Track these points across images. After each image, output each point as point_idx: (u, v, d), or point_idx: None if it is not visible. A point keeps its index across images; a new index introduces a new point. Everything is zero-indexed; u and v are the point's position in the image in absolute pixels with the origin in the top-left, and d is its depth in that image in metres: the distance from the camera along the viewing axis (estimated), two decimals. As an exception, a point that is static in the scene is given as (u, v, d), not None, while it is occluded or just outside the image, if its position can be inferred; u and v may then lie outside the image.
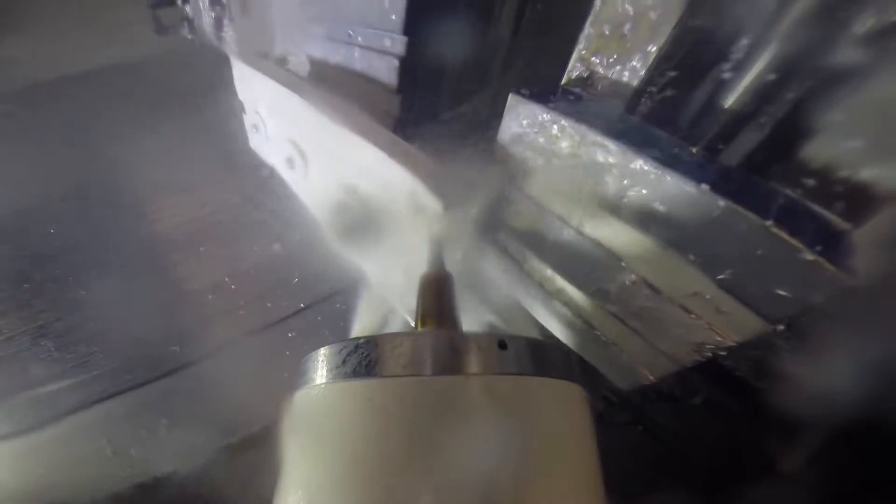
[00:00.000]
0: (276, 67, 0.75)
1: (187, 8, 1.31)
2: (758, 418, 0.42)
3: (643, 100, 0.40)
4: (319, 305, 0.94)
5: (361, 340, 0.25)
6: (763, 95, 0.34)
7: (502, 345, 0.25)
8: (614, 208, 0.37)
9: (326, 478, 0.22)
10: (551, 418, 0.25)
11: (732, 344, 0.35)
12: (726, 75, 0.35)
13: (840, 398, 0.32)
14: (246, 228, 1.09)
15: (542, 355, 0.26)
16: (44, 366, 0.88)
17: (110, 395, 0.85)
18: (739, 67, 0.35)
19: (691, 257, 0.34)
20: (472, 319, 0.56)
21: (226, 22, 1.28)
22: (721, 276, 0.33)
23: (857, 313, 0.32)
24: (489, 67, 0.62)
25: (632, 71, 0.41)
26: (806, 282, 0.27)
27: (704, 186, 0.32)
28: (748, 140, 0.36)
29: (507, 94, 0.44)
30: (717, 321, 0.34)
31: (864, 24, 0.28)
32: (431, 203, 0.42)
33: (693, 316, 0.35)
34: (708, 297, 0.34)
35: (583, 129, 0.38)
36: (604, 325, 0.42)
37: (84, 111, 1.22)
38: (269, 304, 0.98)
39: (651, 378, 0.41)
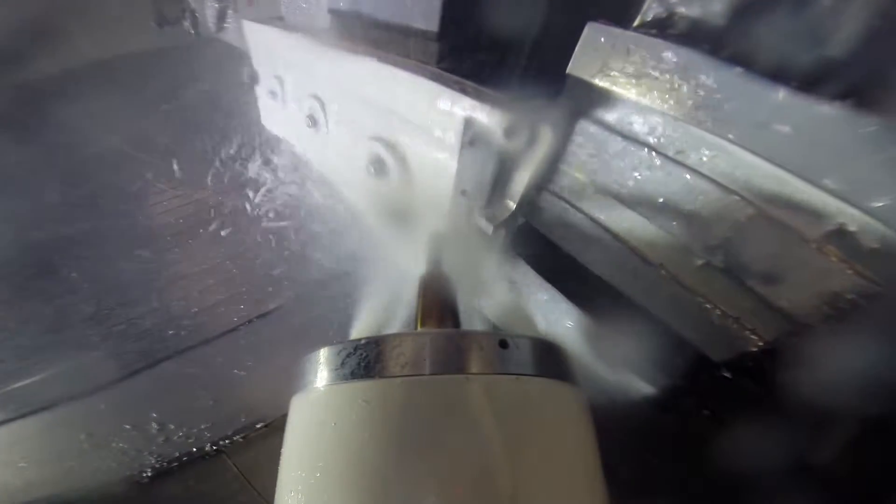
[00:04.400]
0: (296, 25, 0.69)
1: (191, -1, 1.26)
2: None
3: (731, 37, 0.35)
4: (319, 290, 0.93)
5: (361, 342, 0.25)
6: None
7: (503, 344, 0.25)
8: (725, 131, 0.31)
9: (326, 479, 0.22)
10: (551, 419, 0.24)
11: (881, 289, 0.28)
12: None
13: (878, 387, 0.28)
14: (244, 215, 1.07)
15: (542, 355, 0.26)
16: (36, 350, 0.83)
17: (105, 381, 0.80)
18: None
19: (829, 183, 0.28)
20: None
21: (230, 13, 1.24)
22: (872, 203, 0.27)
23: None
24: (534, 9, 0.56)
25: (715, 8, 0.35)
26: None
27: (848, 102, 0.27)
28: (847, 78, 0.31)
29: (551, 42, 0.38)
30: (865, 260, 0.28)
31: None
32: (494, 124, 0.36)
33: (832, 258, 0.29)
34: (853, 229, 0.28)
35: (682, 52, 0.32)
36: (701, 280, 0.36)
37: (86, 103, 1.18)
38: (270, 289, 0.95)
39: (758, 342, 0.35)
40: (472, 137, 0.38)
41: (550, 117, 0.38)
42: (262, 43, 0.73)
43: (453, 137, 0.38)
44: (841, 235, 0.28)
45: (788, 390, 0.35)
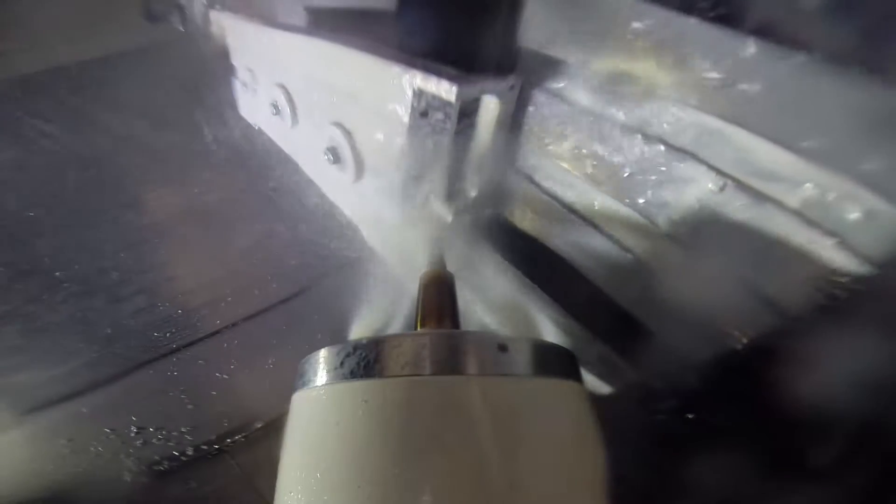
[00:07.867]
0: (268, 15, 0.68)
1: (179, -7, 1.28)
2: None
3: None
4: (307, 292, 0.91)
5: (362, 342, 0.25)
6: None
7: (502, 346, 0.25)
8: (687, 97, 0.27)
9: (324, 479, 0.22)
10: (551, 420, 0.24)
11: (877, 270, 0.24)
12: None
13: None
14: (235, 215, 1.03)
15: (542, 356, 0.26)
16: (5, 355, 0.80)
17: (79, 389, 0.77)
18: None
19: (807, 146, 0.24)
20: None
21: (217, 8, 1.26)
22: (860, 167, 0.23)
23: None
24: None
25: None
26: None
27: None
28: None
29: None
30: (853, 234, 0.24)
31: None
32: (444, 92, 0.33)
33: (815, 231, 0.25)
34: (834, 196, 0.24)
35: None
36: (670, 266, 0.31)
37: (75, 101, 1.18)
38: (257, 292, 0.92)
39: (741, 338, 0.30)
40: (423, 109, 0.35)
41: (502, 87, 0.35)
42: (234, 34, 0.73)
43: (403, 112, 0.35)
44: (822, 205, 0.24)
45: (781, 390, 0.31)
